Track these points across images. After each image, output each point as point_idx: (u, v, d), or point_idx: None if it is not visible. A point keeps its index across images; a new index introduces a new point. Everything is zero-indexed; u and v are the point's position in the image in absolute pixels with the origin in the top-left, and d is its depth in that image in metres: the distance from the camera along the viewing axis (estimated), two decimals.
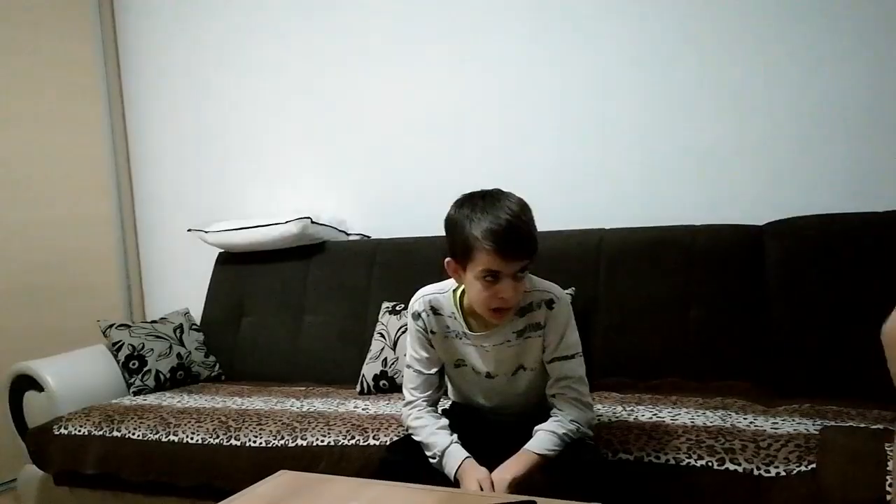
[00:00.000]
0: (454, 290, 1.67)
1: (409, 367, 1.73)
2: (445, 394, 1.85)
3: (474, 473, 1.52)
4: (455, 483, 1.55)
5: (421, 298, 1.69)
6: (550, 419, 1.59)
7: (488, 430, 1.70)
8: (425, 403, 1.70)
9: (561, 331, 1.61)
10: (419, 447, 1.64)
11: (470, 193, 1.56)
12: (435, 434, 1.62)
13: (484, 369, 1.67)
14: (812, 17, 2.32)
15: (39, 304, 3.07)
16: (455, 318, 1.66)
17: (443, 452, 1.58)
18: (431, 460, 1.60)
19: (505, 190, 1.56)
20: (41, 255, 3.11)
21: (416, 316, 1.68)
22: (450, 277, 1.64)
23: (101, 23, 3.37)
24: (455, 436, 1.62)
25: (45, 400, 2.47)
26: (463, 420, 1.72)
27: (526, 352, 1.64)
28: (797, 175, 2.35)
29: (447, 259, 1.58)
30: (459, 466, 1.55)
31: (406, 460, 1.61)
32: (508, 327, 1.62)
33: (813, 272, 2.09)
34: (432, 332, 1.68)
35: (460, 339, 1.67)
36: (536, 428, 1.58)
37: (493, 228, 1.45)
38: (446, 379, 1.80)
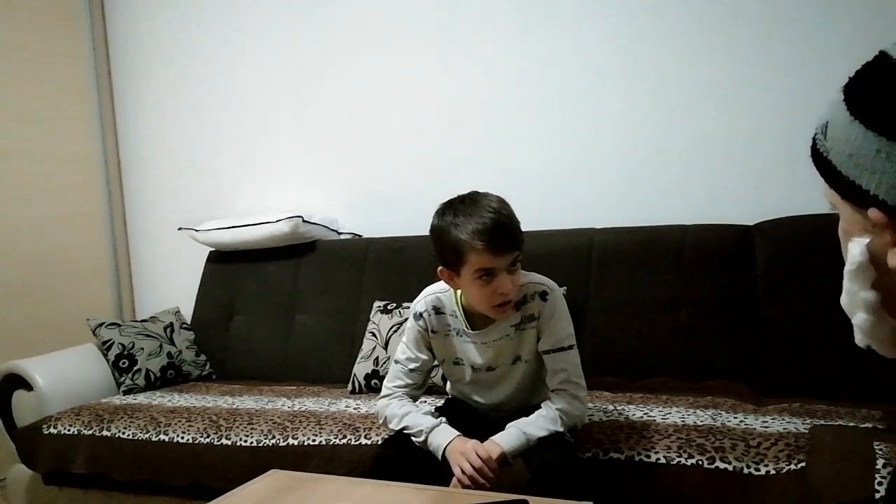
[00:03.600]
0: (454, 289, 1.69)
1: (397, 362, 1.75)
2: (434, 391, 1.85)
3: (461, 446, 1.53)
4: (443, 461, 1.56)
5: (424, 298, 1.73)
6: (541, 408, 1.62)
7: (483, 426, 1.70)
8: (405, 396, 1.72)
9: (555, 322, 1.64)
10: (414, 444, 1.64)
11: (449, 201, 1.60)
12: (420, 416, 1.65)
13: (484, 364, 1.70)
14: (800, 16, 2.33)
15: (28, 303, 3.05)
16: (456, 317, 1.69)
17: (430, 430, 1.59)
18: (415, 438, 1.61)
19: (482, 191, 1.59)
20: (30, 253, 3.08)
21: (418, 316, 1.71)
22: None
23: (90, 19, 3.35)
24: (444, 419, 1.64)
25: (35, 399, 2.46)
26: (458, 415, 1.73)
27: (523, 343, 1.67)
28: (787, 175, 2.36)
29: (440, 268, 1.62)
30: (449, 443, 1.56)
31: (400, 456, 1.61)
32: (506, 322, 1.65)
33: (802, 272, 2.10)
34: (433, 331, 1.71)
35: (461, 336, 1.70)
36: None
37: (479, 228, 1.50)
38: (445, 376, 1.81)
